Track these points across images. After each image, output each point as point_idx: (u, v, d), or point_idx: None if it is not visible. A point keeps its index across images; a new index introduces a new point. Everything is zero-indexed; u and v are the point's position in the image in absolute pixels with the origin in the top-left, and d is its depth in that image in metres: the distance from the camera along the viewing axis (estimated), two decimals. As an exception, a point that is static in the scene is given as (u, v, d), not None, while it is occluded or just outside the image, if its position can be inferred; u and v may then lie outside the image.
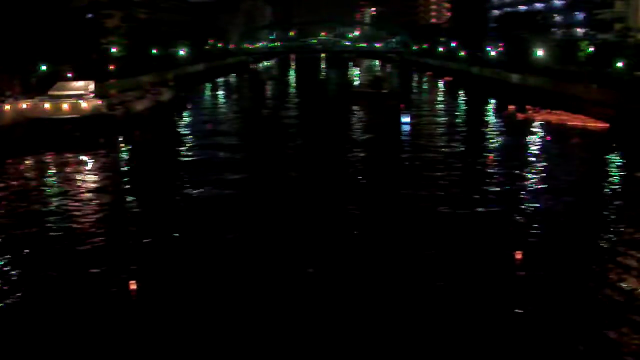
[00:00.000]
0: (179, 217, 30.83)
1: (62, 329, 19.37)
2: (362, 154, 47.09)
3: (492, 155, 46.18)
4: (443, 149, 48.42)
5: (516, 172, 40.01)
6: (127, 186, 38.79)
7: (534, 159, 44.78)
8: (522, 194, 34.60)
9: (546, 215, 30.60)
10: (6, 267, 24.21)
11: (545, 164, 42.96)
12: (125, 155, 49.25)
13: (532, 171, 40.35)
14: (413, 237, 27.35)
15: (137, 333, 19.14)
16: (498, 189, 35.93)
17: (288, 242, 26.74)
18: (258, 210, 31.57)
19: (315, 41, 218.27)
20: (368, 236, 27.60)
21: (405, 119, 61.26)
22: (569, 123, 58.92)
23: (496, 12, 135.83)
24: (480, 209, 31.31)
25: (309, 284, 22.41)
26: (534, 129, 57.89)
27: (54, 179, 40.14)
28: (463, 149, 48.92)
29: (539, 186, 36.48)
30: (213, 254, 25.49)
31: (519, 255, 24.68)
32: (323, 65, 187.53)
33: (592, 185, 37.08)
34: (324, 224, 29.28)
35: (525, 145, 50.04)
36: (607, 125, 56.13)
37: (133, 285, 21.91)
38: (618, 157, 45.09)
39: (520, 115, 65.00)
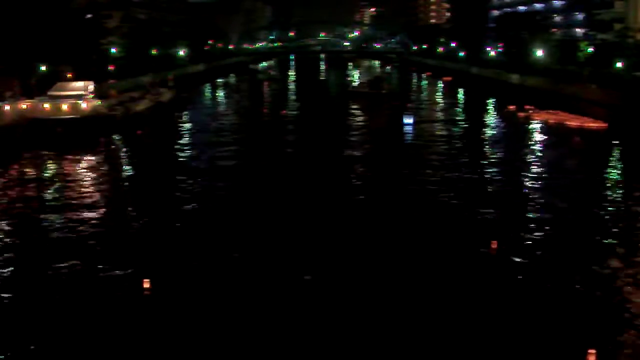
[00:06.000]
0: (178, 216, 30.89)
1: (61, 328, 19.47)
2: (366, 155, 47.20)
3: (490, 153, 46.48)
4: (445, 149, 48.59)
5: (514, 170, 40.24)
6: (126, 186, 38.87)
7: (531, 157, 44.91)
8: (519, 191, 34.71)
9: (542, 212, 30.71)
10: (9, 268, 24.27)
11: (542, 163, 43.13)
12: (124, 156, 49.27)
13: (530, 169, 40.50)
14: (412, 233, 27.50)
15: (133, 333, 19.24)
16: (496, 187, 36.11)
17: (285, 241, 26.84)
18: (256, 212, 31.65)
19: (315, 42, 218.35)
20: (366, 237, 27.70)
21: (408, 120, 61.21)
22: (567, 123, 59.03)
23: (496, 12, 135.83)
24: (479, 207, 31.48)
25: (306, 286, 22.50)
26: (533, 129, 58.01)
27: (53, 179, 40.13)
28: (464, 149, 49.12)
29: (535, 183, 36.61)
30: (211, 254, 25.58)
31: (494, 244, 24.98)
32: (322, 66, 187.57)
33: (585, 183, 37.24)
34: (323, 224, 29.38)
35: (524, 145, 50.13)
36: (606, 125, 56.25)
37: (145, 284, 22.05)
38: (615, 157, 45.27)
39: (519, 115, 65.13)
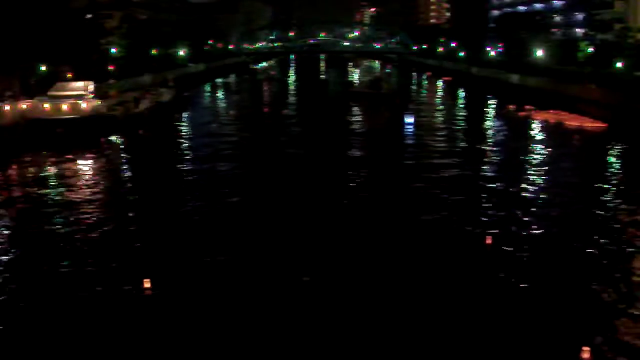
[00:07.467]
0: (179, 216, 30.91)
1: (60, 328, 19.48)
2: (367, 154, 47.26)
3: (490, 152, 46.66)
4: (446, 148, 48.67)
5: (514, 168, 40.33)
6: (126, 186, 38.88)
7: (531, 157, 44.96)
8: (518, 190, 34.77)
9: (541, 210, 30.74)
10: (9, 267, 24.27)
11: (541, 162, 43.19)
12: (125, 155, 49.24)
13: (529, 168, 40.57)
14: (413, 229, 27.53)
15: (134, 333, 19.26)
16: (495, 186, 36.19)
17: (285, 241, 26.87)
18: (256, 211, 31.67)
19: (315, 42, 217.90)
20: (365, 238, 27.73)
21: (409, 119, 61.34)
22: (567, 123, 59.05)
23: (496, 12, 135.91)
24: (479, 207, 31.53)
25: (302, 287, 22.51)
26: (533, 129, 58.07)
27: (53, 179, 40.14)
28: (464, 148, 49.23)
29: (534, 182, 36.67)
30: (211, 254, 25.58)
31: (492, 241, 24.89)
32: (323, 66, 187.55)
33: (584, 183, 37.31)
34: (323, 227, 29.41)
35: (524, 144, 50.16)
36: (605, 125, 56.30)
37: (147, 284, 22.12)
38: (615, 157, 45.34)
39: (519, 115, 65.19)
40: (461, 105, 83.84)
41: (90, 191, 36.33)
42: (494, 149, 49.33)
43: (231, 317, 19.98)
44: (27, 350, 18.28)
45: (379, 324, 19.42)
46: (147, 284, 22.10)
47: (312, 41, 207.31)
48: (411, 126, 59.48)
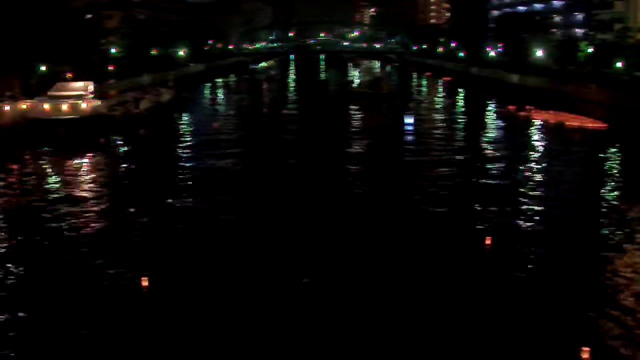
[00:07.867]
0: (178, 215, 30.90)
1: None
2: (368, 154, 47.27)
3: (489, 152, 46.61)
4: (446, 148, 48.67)
5: (513, 169, 40.35)
6: (125, 186, 38.85)
7: (531, 157, 44.98)
8: (517, 190, 34.78)
9: (540, 210, 30.75)
10: (8, 266, 24.29)
11: (541, 162, 43.21)
12: (124, 155, 49.24)
13: (529, 168, 40.61)
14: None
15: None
16: (495, 186, 36.20)
17: (285, 242, 26.85)
18: (256, 212, 31.67)
19: (315, 42, 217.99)
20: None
21: (409, 119, 61.32)
22: (567, 123, 58.99)
23: (496, 12, 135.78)
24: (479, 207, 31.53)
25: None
26: (533, 129, 58.06)
27: (52, 178, 40.16)
28: (465, 148, 49.22)
29: (534, 182, 36.69)
30: (210, 254, 25.58)
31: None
32: (322, 66, 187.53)
33: (584, 183, 37.32)
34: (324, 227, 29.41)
35: (524, 144, 50.17)
36: (606, 125, 56.27)
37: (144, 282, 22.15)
38: (615, 157, 45.37)
39: (519, 115, 65.13)
40: (461, 106, 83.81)
41: (90, 190, 36.34)
42: (494, 148, 49.29)
43: (230, 318, 19.99)
44: (26, 347, 18.29)
45: (379, 325, 19.43)
46: (144, 282, 22.11)
47: (312, 41, 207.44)
48: (411, 126, 59.45)
